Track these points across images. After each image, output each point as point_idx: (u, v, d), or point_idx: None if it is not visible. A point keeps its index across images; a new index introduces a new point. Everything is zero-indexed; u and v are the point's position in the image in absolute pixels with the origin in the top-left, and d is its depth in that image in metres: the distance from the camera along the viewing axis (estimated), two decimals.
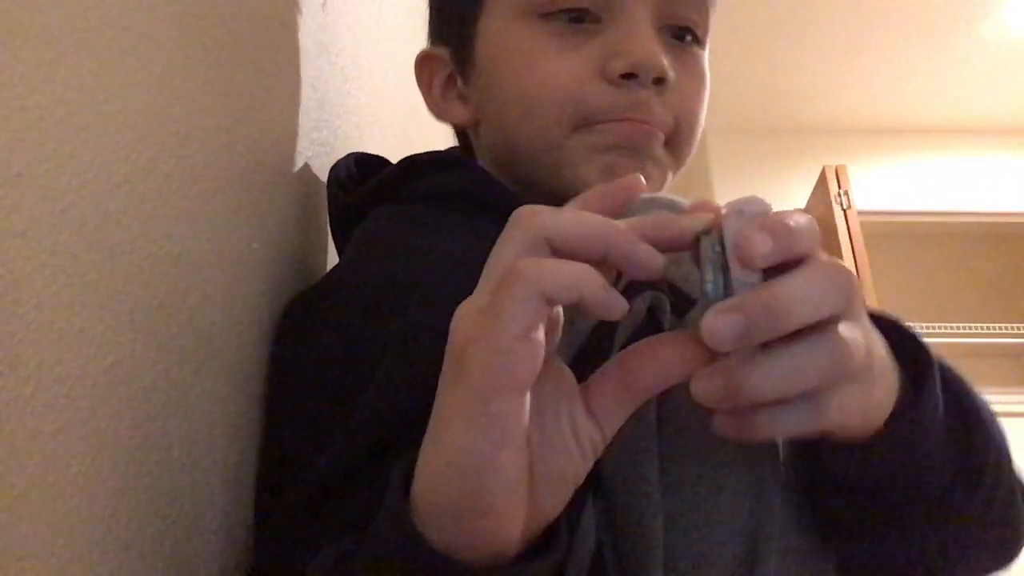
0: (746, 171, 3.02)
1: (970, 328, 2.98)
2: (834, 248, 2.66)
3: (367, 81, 0.86)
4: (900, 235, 3.15)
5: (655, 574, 0.37)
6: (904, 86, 2.92)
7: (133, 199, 0.37)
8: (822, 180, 2.85)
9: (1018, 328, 2.99)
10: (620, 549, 0.39)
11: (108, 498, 0.35)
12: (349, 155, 0.62)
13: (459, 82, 0.57)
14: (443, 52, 0.58)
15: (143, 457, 0.37)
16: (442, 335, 0.29)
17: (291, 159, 0.60)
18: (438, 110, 0.59)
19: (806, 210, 3.01)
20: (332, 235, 0.61)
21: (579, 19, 0.51)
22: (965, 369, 0.47)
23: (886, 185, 3.06)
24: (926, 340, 0.42)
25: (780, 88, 2.90)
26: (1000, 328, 2.99)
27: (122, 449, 0.36)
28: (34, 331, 0.30)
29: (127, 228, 0.37)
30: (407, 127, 1.13)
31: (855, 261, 2.61)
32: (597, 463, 0.34)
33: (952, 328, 2.97)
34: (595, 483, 0.39)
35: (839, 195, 2.75)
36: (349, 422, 0.41)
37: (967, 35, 2.66)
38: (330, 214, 0.60)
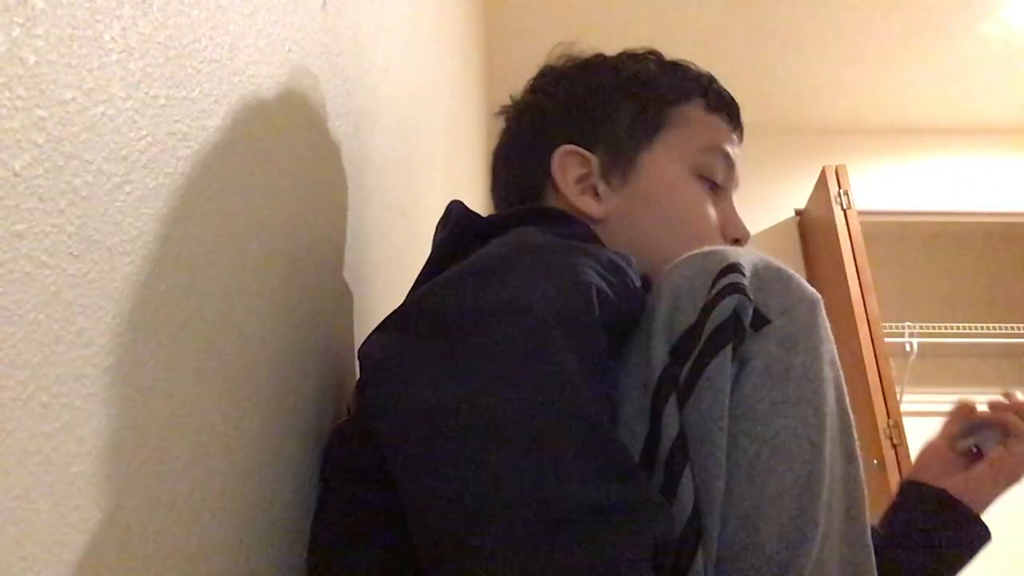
0: (746, 171, 3.01)
1: (970, 328, 2.98)
2: (834, 248, 2.66)
3: (367, 81, 0.86)
4: (900, 235, 3.15)
5: (713, 529, 0.48)
6: (904, 86, 2.92)
7: (133, 199, 0.37)
8: (822, 180, 2.85)
9: (1018, 328, 2.99)
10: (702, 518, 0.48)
11: (108, 498, 0.35)
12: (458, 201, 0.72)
13: (599, 184, 0.72)
14: (590, 156, 0.72)
15: (143, 457, 0.37)
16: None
17: (291, 159, 0.60)
18: (571, 196, 0.72)
19: (806, 210, 3.03)
20: (445, 243, 0.68)
21: (712, 188, 0.73)
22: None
23: (886, 185, 3.06)
24: None
25: (780, 88, 2.90)
26: (1000, 328, 2.99)
27: (122, 449, 0.36)
28: (34, 331, 0.30)
29: (127, 228, 0.37)
30: (407, 128, 1.13)
31: (855, 261, 2.62)
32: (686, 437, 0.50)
33: (952, 328, 2.97)
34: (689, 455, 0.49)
35: (839, 195, 2.75)
36: None
37: (967, 35, 2.66)
38: (449, 226, 0.69)
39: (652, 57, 0.77)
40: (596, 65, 0.78)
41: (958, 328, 2.97)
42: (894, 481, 2.30)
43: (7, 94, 0.29)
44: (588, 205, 0.71)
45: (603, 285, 0.51)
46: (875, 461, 2.28)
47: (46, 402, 0.31)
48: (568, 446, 0.45)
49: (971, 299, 3.19)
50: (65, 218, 0.32)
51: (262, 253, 0.53)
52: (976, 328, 2.99)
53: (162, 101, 0.40)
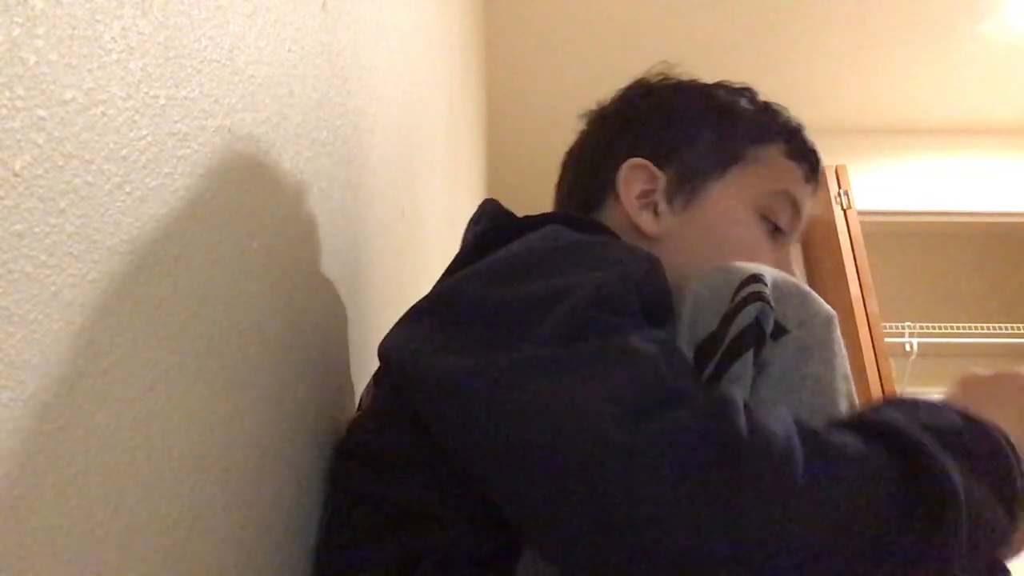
0: None
1: (970, 328, 2.98)
2: (834, 248, 2.66)
3: (367, 81, 0.86)
4: (900, 235, 3.15)
5: None
6: (904, 86, 2.91)
7: (133, 199, 0.37)
8: (822, 180, 2.84)
9: (1018, 328, 2.99)
10: None
11: (108, 498, 0.35)
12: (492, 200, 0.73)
13: (661, 203, 0.72)
14: (658, 173, 0.73)
15: (144, 457, 0.37)
16: None
17: (291, 159, 0.60)
18: (631, 209, 0.72)
19: None
20: (478, 239, 0.67)
21: (774, 232, 0.72)
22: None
23: (886, 185, 3.06)
24: None
25: (780, 88, 2.88)
26: (1000, 328, 2.99)
27: (122, 449, 0.36)
28: (34, 331, 0.30)
29: (127, 228, 0.37)
30: (407, 128, 1.13)
31: (855, 261, 2.61)
32: None
33: (952, 328, 2.97)
34: None
35: (839, 195, 2.75)
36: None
37: (967, 35, 2.66)
38: (483, 223, 0.69)
39: (747, 93, 0.78)
40: (688, 88, 0.78)
41: (958, 328, 2.97)
42: None
43: (7, 94, 0.29)
44: (645, 221, 0.72)
45: (641, 276, 0.52)
46: None
47: (46, 402, 0.31)
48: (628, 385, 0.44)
49: (971, 299, 3.19)
50: (65, 218, 0.32)
51: (262, 253, 0.53)
52: (976, 328, 2.99)
53: (162, 101, 0.40)
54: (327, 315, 0.69)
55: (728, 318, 0.53)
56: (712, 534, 0.39)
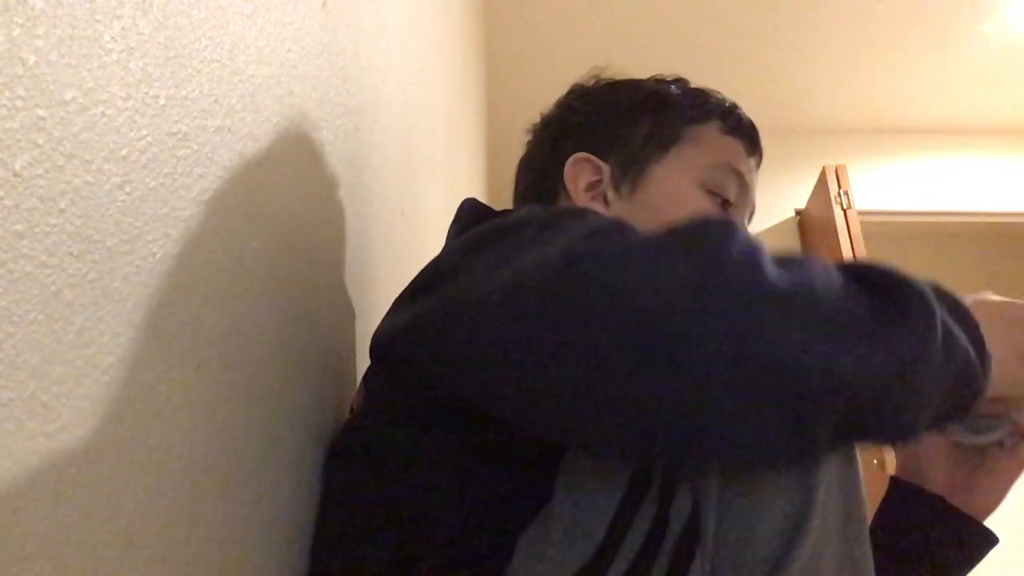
0: None
1: None
2: (834, 248, 2.66)
3: (367, 81, 0.86)
4: (900, 235, 3.15)
5: (707, 537, 0.47)
6: (904, 86, 2.92)
7: (133, 199, 0.37)
8: (822, 180, 2.85)
9: None
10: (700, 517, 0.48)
11: (108, 498, 0.35)
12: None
13: (609, 192, 0.75)
14: (602, 164, 0.76)
15: (143, 457, 0.37)
16: None
17: (291, 159, 0.60)
18: (580, 201, 0.76)
19: (806, 210, 3.03)
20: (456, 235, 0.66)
21: (724, 205, 0.74)
22: (979, 293, 0.55)
23: (886, 185, 3.06)
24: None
25: (780, 88, 2.90)
26: None
27: (122, 449, 0.36)
28: (34, 331, 0.30)
29: (128, 228, 0.37)
30: (407, 128, 1.13)
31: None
32: None
33: None
34: None
35: (839, 195, 2.75)
36: None
37: (967, 35, 2.66)
38: (461, 221, 0.70)
39: (678, 82, 0.81)
40: (621, 84, 0.82)
41: None
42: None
43: (7, 94, 0.29)
44: (597, 210, 0.72)
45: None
46: (875, 461, 2.28)
47: (46, 402, 0.31)
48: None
49: None
50: (65, 218, 0.32)
51: (262, 253, 0.53)
52: None
53: (162, 101, 0.40)
54: (327, 315, 0.69)
55: None
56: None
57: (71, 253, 0.33)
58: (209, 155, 0.45)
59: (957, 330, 0.46)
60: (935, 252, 3.27)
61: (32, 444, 0.30)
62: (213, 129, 0.46)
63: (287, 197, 0.59)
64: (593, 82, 0.84)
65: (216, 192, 0.46)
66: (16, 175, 0.30)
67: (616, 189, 0.75)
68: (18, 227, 0.30)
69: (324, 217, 0.68)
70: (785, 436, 0.41)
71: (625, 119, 0.78)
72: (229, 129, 0.48)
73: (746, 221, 0.78)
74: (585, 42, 2.59)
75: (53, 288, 0.31)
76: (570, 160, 0.77)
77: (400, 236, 1.04)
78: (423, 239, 1.21)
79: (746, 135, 0.78)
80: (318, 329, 0.66)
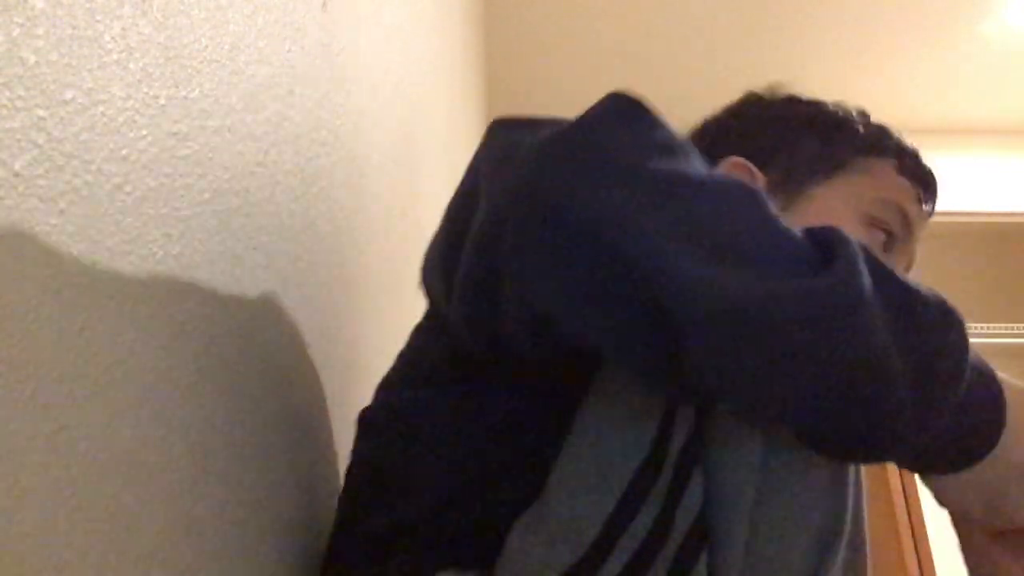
0: None
1: (970, 328, 2.97)
2: None
3: (367, 81, 0.86)
4: None
5: (737, 545, 0.45)
6: (904, 86, 2.91)
7: (133, 199, 0.37)
8: None
9: (1018, 328, 2.99)
10: (709, 519, 0.46)
11: (108, 498, 0.35)
12: None
13: None
14: (758, 174, 0.71)
15: (143, 457, 0.37)
16: None
17: (291, 159, 0.60)
18: None
19: None
20: None
21: (887, 241, 0.69)
22: None
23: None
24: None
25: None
26: (1000, 328, 2.99)
27: (122, 449, 0.36)
28: (34, 331, 0.30)
29: (127, 228, 0.37)
30: (407, 128, 1.13)
31: None
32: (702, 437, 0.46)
33: None
34: (702, 456, 0.47)
35: None
36: None
37: (967, 35, 2.66)
38: None
39: (861, 112, 0.77)
40: (798, 99, 0.78)
41: None
42: (894, 481, 2.30)
43: (7, 94, 0.29)
44: None
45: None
46: None
47: (46, 402, 0.31)
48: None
49: (971, 299, 3.18)
50: (65, 218, 0.32)
51: (262, 253, 0.53)
52: (976, 328, 2.98)
53: (162, 101, 0.40)
54: (327, 315, 0.69)
55: None
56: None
57: (71, 253, 0.33)
58: (209, 155, 0.45)
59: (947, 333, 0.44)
60: (935, 252, 3.26)
61: (32, 444, 0.30)
62: (213, 129, 0.46)
63: (287, 197, 0.59)
64: (769, 91, 0.79)
65: (216, 192, 0.46)
66: (16, 175, 0.30)
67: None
68: (18, 227, 0.30)
69: (324, 217, 0.68)
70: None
71: (790, 134, 0.73)
72: (229, 129, 0.48)
73: (903, 270, 0.72)
74: (585, 43, 2.59)
75: (53, 288, 0.31)
76: (725, 162, 0.72)
77: (400, 236, 1.04)
78: (423, 239, 1.20)
79: (922, 181, 0.73)
80: (318, 330, 0.66)
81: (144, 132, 0.38)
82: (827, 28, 2.64)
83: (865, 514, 0.51)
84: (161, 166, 0.40)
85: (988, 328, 2.99)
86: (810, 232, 0.43)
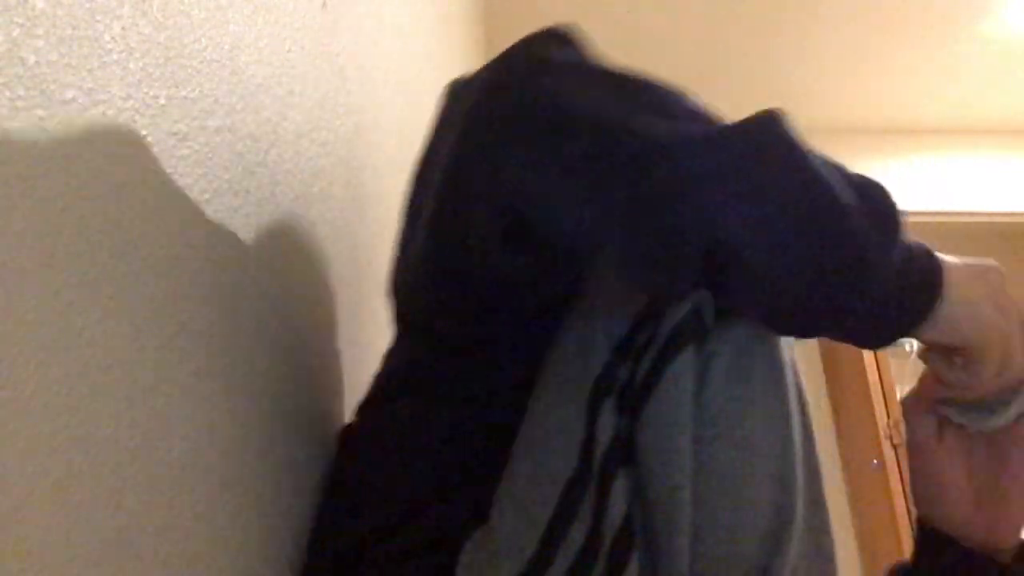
0: None
1: None
2: None
3: (367, 81, 0.86)
4: None
5: (681, 545, 0.43)
6: (904, 86, 2.91)
7: (133, 199, 0.37)
8: None
9: None
10: (648, 520, 0.44)
11: (108, 498, 0.35)
12: None
13: None
14: None
15: (143, 457, 0.37)
16: None
17: (291, 159, 0.60)
18: None
19: None
20: None
21: None
22: None
23: (886, 185, 3.05)
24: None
25: (780, 89, 2.90)
26: None
27: (122, 449, 0.36)
28: (34, 331, 0.30)
29: (127, 228, 0.37)
30: (407, 128, 1.13)
31: None
32: (632, 435, 0.45)
33: None
34: (628, 454, 0.45)
35: None
36: None
37: (967, 35, 2.66)
38: None
39: None
40: None
41: None
42: (894, 481, 2.30)
43: (7, 94, 0.29)
44: None
45: None
46: (875, 461, 2.28)
47: (46, 402, 0.31)
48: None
49: None
50: (66, 218, 0.32)
51: (262, 254, 0.53)
52: None
53: (162, 101, 0.40)
54: (327, 316, 0.69)
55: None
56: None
57: (71, 253, 0.33)
58: (209, 155, 0.45)
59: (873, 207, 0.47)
60: None
61: (32, 444, 0.30)
62: (213, 129, 0.46)
63: (286, 197, 0.59)
64: None
65: (216, 192, 0.46)
66: (16, 175, 0.30)
67: None
68: (18, 227, 0.30)
69: (324, 218, 0.68)
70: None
71: None
72: (229, 129, 0.48)
73: None
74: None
75: (53, 288, 0.31)
76: None
77: None
78: None
79: None
80: (318, 330, 0.66)
81: (144, 132, 0.38)
82: (827, 28, 2.64)
83: (825, 495, 0.50)
84: (161, 166, 0.40)
85: None
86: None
